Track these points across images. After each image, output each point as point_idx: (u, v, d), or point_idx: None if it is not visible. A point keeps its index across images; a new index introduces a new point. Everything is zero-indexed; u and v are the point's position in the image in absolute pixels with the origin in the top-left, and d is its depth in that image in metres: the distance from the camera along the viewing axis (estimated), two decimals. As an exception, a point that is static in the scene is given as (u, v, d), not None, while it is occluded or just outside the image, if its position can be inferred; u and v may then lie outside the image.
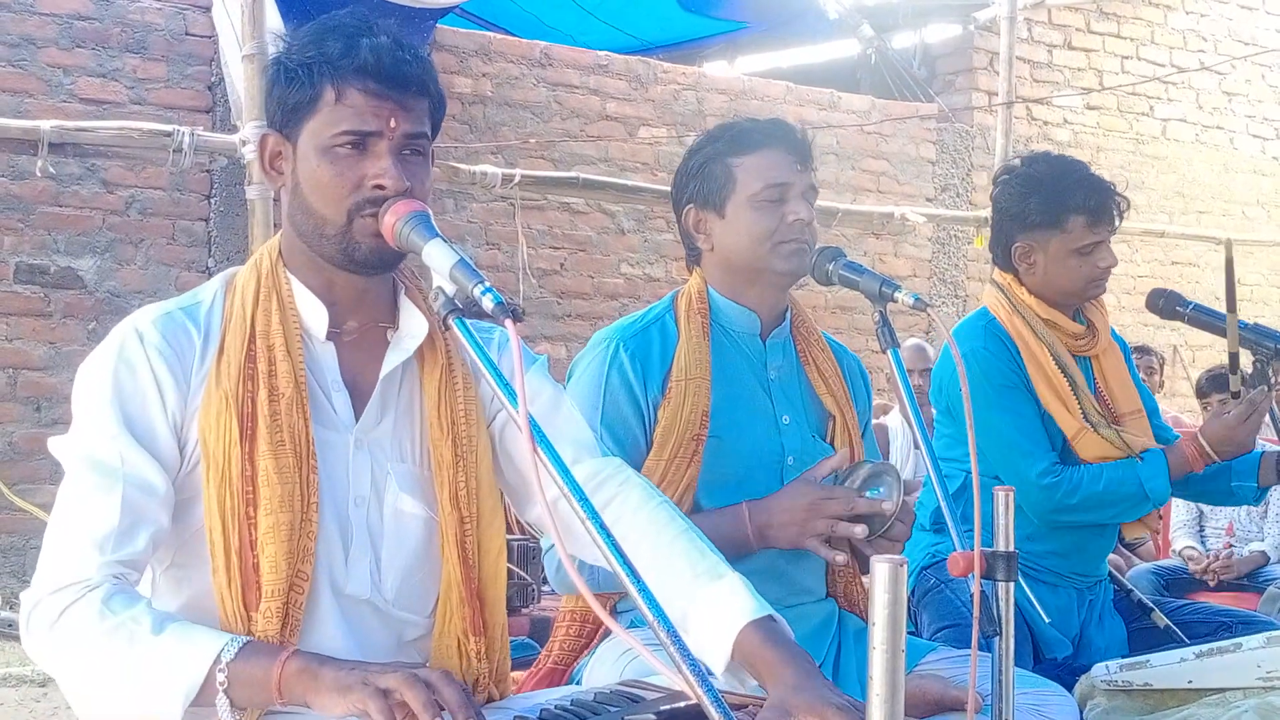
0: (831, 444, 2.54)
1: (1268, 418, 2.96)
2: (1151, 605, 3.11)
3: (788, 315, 2.59)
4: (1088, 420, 2.98)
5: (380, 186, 1.80)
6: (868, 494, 2.30)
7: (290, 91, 1.82)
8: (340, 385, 1.89)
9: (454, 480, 1.89)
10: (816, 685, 1.67)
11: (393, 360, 1.90)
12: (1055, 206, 2.98)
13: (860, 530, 2.26)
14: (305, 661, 1.66)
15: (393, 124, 1.81)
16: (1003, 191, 3.11)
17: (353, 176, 1.80)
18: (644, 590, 1.42)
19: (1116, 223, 3.02)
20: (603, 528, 1.47)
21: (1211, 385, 5.49)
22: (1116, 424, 3.05)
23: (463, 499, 1.89)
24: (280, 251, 1.91)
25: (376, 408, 1.90)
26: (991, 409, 2.94)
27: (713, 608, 1.77)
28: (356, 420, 1.89)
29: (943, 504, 2.07)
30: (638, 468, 2.38)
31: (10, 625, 6.04)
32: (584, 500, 1.49)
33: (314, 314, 1.88)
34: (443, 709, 1.60)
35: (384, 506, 1.88)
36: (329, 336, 1.88)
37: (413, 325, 1.92)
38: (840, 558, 2.31)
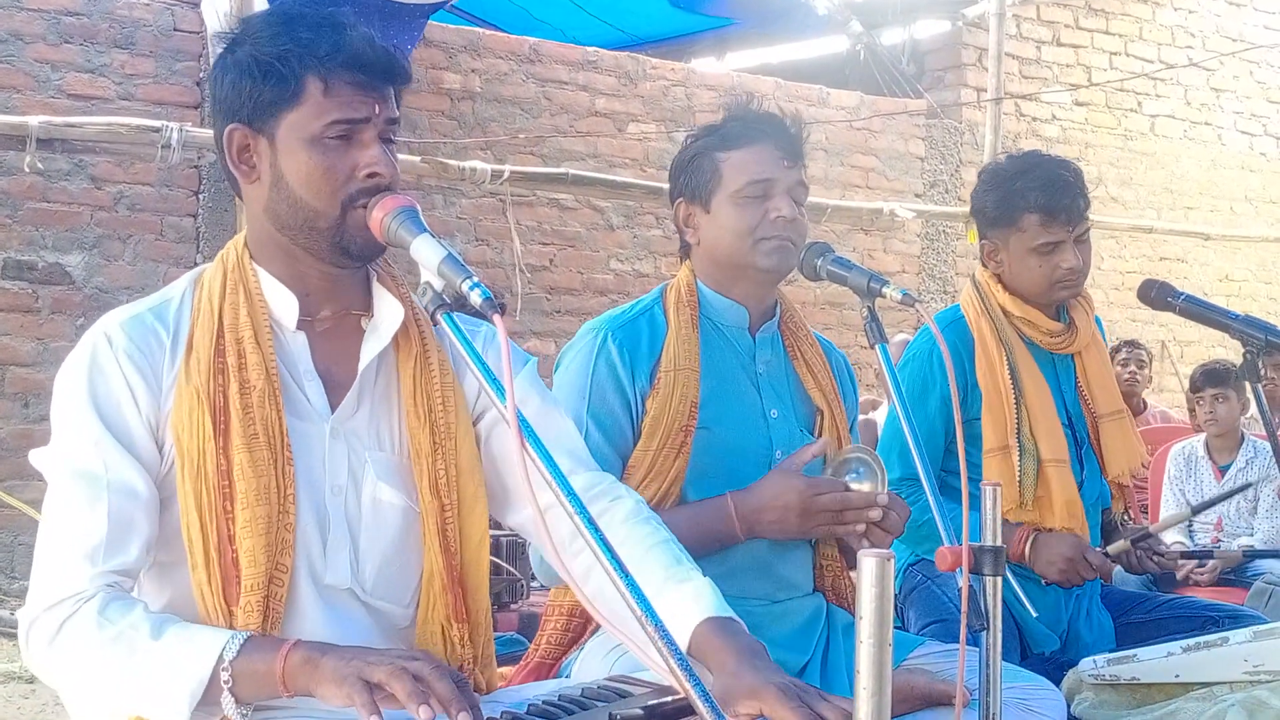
0: (819, 438, 2.54)
1: (1255, 411, 2.96)
2: (1161, 553, 3.09)
3: (777, 310, 2.59)
4: (1018, 438, 2.96)
5: (374, 175, 1.80)
6: (849, 478, 2.32)
7: (265, 85, 1.81)
8: (313, 374, 1.88)
9: (433, 468, 1.88)
10: (758, 667, 1.68)
11: (371, 349, 1.89)
12: (1009, 204, 2.99)
13: (861, 528, 2.28)
14: (308, 651, 1.66)
15: (378, 110, 1.83)
16: (974, 189, 3.14)
17: (344, 167, 1.81)
18: (633, 586, 1.42)
19: (1074, 224, 2.96)
20: (592, 524, 1.46)
21: (1206, 380, 5.47)
22: (1095, 426, 3.07)
23: (443, 487, 1.89)
24: (247, 245, 1.91)
25: (354, 397, 1.89)
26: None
27: (677, 604, 1.79)
28: (331, 409, 1.88)
29: (930, 498, 2.08)
30: (625, 458, 2.39)
31: (-1, 622, 6.03)
32: (573, 496, 1.48)
33: (283, 304, 1.87)
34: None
35: (362, 495, 1.87)
36: (300, 326, 1.88)
37: (388, 312, 1.91)
38: (859, 527, 2.31)
